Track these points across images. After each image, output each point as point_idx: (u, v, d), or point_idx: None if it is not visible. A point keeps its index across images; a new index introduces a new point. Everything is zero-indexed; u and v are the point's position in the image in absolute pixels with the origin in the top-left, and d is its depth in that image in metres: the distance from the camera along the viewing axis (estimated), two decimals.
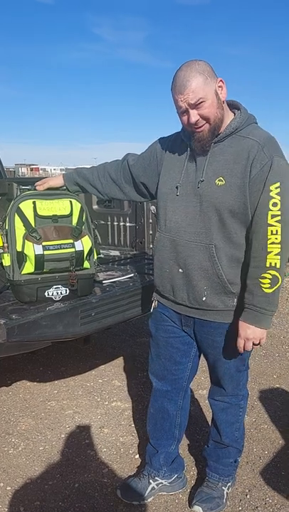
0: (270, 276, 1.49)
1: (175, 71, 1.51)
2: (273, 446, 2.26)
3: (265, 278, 1.49)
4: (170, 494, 1.93)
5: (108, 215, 3.30)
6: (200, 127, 1.50)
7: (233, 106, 1.59)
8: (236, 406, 1.81)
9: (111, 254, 3.17)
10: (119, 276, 2.44)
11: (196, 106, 1.46)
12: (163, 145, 1.72)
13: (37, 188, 1.93)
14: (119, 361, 3.23)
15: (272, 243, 1.46)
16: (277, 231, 1.46)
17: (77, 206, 1.96)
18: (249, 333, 1.55)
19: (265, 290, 1.50)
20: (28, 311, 1.88)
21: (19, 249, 1.87)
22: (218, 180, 1.51)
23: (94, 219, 2.10)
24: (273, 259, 1.47)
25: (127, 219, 3.23)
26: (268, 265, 1.48)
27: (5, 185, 3.62)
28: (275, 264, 1.48)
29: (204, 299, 1.60)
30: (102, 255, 2.97)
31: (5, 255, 1.91)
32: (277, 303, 1.55)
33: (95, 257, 2.11)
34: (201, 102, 1.45)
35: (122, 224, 3.26)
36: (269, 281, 1.49)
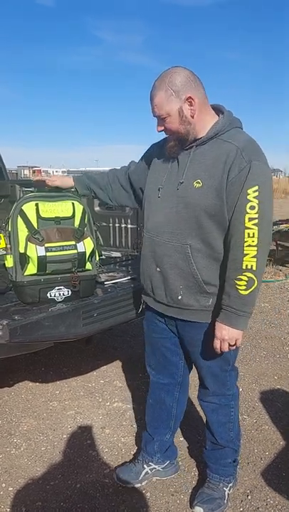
0: (246, 279, 1.51)
1: None
2: (274, 447, 2.26)
3: (241, 280, 1.51)
4: (171, 495, 1.94)
5: (110, 216, 3.31)
6: (168, 135, 1.61)
7: (218, 110, 1.62)
8: (226, 406, 1.83)
9: (112, 255, 3.18)
10: (121, 278, 2.45)
11: (158, 119, 1.57)
12: (153, 150, 1.80)
13: (47, 181, 1.97)
14: (121, 362, 3.24)
15: (249, 246, 1.49)
16: (254, 234, 1.48)
17: (79, 208, 1.97)
18: (224, 333, 1.58)
19: (241, 292, 1.52)
20: (30, 312, 1.89)
21: (22, 250, 1.88)
22: (196, 183, 1.55)
23: (96, 221, 2.11)
24: (250, 261, 1.50)
25: (129, 221, 3.24)
26: (244, 267, 1.50)
27: (8, 187, 3.64)
28: (252, 266, 1.50)
29: (180, 297, 1.64)
30: (103, 256, 2.98)
31: (8, 257, 1.93)
32: (254, 304, 1.58)
33: (97, 258, 2.13)
34: (164, 118, 1.55)
35: (123, 226, 3.28)
36: (245, 283, 1.51)
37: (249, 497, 1.92)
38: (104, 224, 3.33)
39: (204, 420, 1.93)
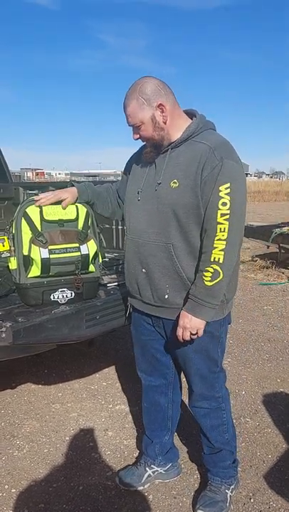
0: (212, 270, 1.55)
1: None
2: (277, 450, 2.26)
3: (208, 271, 1.55)
4: (174, 498, 1.94)
5: (112, 218, 3.32)
6: (144, 142, 1.67)
7: (191, 114, 1.69)
8: (217, 409, 1.84)
9: (115, 257, 3.19)
10: (123, 280, 2.45)
11: (133, 127, 1.64)
12: (131, 160, 1.86)
13: (62, 204, 1.91)
14: (123, 364, 3.24)
15: (219, 239, 1.53)
16: (224, 229, 1.53)
17: (82, 210, 1.98)
18: (186, 322, 1.61)
19: (206, 283, 1.56)
20: (33, 314, 1.90)
21: (25, 252, 1.89)
22: (173, 183, 1.60)
23: (99, 223, 2.12)
24: (218, 254, 1.54)
25: None
26: (212, 259, 1.54)
27: (11, 189, 3.65)
28: (219, 259, 1.54)
29: (167, 296, 1.67)
30: (106, 259, 2.99)
31: (11, 259, 1.94)
32: (219, 297, 1.60)
33: (100, 260, 2.13)
34: (137, 126, 1.62)
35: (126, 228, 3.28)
36: (210, 274, 1.55)
37: (252, 500, 1.92)
38: (107, 226, 3.34)
39: (199, 425, 1.92)
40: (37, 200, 1.89)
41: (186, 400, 2.07)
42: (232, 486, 1.89)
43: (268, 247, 6.55)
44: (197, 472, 2.10)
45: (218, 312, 1.68)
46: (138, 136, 1.65)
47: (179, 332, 1.64)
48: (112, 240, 3.38)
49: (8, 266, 2.00)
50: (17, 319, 1.83)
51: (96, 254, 2.04)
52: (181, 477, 2.06)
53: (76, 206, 1.96)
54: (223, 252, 1.53)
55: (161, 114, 1.59)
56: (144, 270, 1.70)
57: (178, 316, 1.66)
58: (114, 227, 3.35)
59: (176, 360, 1.87)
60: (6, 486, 2.00)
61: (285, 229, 6.22)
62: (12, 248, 1.93)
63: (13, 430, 2.42)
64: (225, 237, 1.53)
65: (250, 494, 1.95)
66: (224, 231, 1.52)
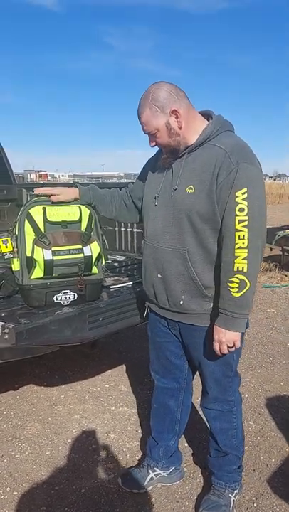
0: (238, 281, 1.51)
1: None
2: (280, 454, 2.24)
3: (233, 282, 1.52)
4: (176, 501, 1.92)
5: (116, 220, 3.31)
6: (161, 148, 1.66)
7: (207, 115, 1.66)
8: (229, 413, 1.83)
9: (118, 259, 3.18)
10: (126, 282, 2.45)
11: (149, 135, 1.62)
12: (148, 164, 1.85)
13: (51, 198, 1.92)
14: (126, 366, 3.23)
15: (240, 248, 1.50)
16: (244, 236, 1.49)
17: (86, 212, 1.98)
18: (221, 336, 1.59)
19: (234, 294, 1.53)
20: (36, 316, 1.89)
21: (29, 254, 1.89)
22: (189, 188, 1.58)
23: (102, 225, 2.12)
24: (241, 263, 1.50)
25: (134, 225, 3.24)
26: (235, 269, 1.51)
27: (15, 191, 3.66)
28: (243, 268, 1.50)
29: (181, 302, 1.66)
30: (109, 261, 2.98)
31: (14, 260, 1.93)
32: (249, 306, 1.58)
33: (103, 262, 2.13)
34: (153, 134, 1.60)
35: (129, 230, 3.28)
36: (237, 285, 1.52)
37: (255, 504, 1.90)
38: (110, 228, 3.34)
39: (209, 427, 1.91)
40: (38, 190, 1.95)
41: (193, 401, 2.06)
42: (236, 491, 1.88)
43: (271, 249, 6.53)
44: (200, 476, 2.09)
45: None
46: (154, 143, 1.64)
47: (216, 347, 1.61)
48: (115, 242, 3.38)
49: (11, 267, 1.99)
50: (20, 321, 1.82)
51: (99, 256, 2.03)
52: (184, 481, 2.05)
53: (79, 208, 1.96)
54: (246, 261, 1.50)
55: (175, 120, 1.57)
56: (159, 275, 1.70)
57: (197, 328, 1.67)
58: (116, 229, 3.35)
59: (191, 362, 1.86)
60: (8, 488, 1.99)
61: (288, 231, 6.21)
62: (15, 249, 1.92)
63: (16, 432, 2.42)
64: (245, 244, 1.49)
65: (254, 498, 1.94)
66: (244, 238, 1.48)
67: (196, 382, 1.95)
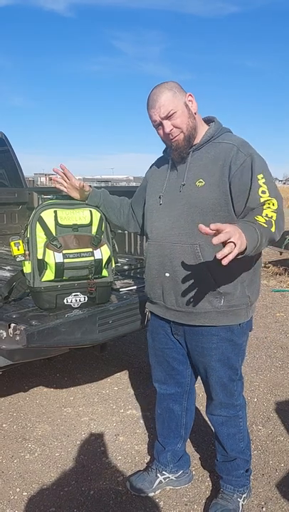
0: (266, 219, 1.48)
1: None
2: None
3: (262, 218, 1.48)
4: (185, 505, 1.92)
5: (122, 229, 3.33)
6: (175, 137, 1.63)
7: (209, 120, 1.72)
8: (235, 417, 1.82)
9: (128, 262, 3.20)
10: (136, 285, 2.46)
11: (167, 117, 1.61)
12: (148, 172, 1.89)
13: (66, 190, 1.96)
14: (135, 369, 3.24)
15: (268, 207, 1.53)
16: (274, 203, 1.54)
17: (96, 216, 2.00)
18: (237, 235, 1.31)
19: (262, 223, 1.45)
20: (47, 318, 1.91)
21: (40, 257, 1.91)
22: (198, 182, 1.61)
23: (112, 228, 2.14)
24: (270, 213, 1.52)
25: None
26: (263, 214, 1.51)
27: (26, 194, 3.70)
28: (272, 216, 1.51)
29: (192, 300, 1.65)
30: (119, 264, 3.00)
31: (26, 263, 1.95)
32: (264, 245, 1.47)
33: (113, 265, 2.14)
34: (173, 114, 1.61)
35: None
36: (264, 221, 1.47)
37: (264, 509, 1.89)
38: (120, 231, 3.36)
39: (215, 433, 1.91)
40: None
41: (199, 407, 2.06)
42: (244, 495, 1.87)
43: (281, 253, 6.49)
44: (209, 479, 2.09)
45: (243, 315, 1.67)
46: (171, 127, 1.61)
47: (222, 236, 1.29)
48: (125, 245, 3.39)
49: (22, 269, 2.02)
50: (31, 322, 1.84)
51: (109, 259, 2.05)
52: (192, 484, 2.05)
53: (90, 211, 1.98)
54: (275, 213, 1.52)
55: (191, 103, 1.65)
56: (167, 274, 1.68)
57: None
58: (126, 232, 3.37)
59: (195, 369, 1.85)
60: (18, 489, 2.01)
61: None
62: (27, 252, 1.95)
63: (25, 433, 2.44)
64: (275, 207, 1.53)
65: (262, 503, 1.93)
66: (273, 205, 1.53)
67: (199, 385, 1.95)
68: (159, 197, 1.72)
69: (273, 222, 1.50)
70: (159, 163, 1.84)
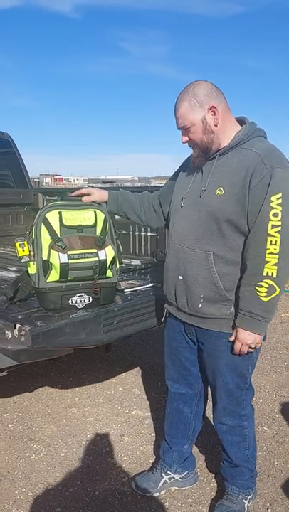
0: (267, 285, 1.51)
1: None
2: None
3: (262, 286, 1.52)
4: (190, 505, 1.92)
5: (130, 224, 3.33)
6: (192, 147, 1.65)
7: (241, 121, 1.66)
8: (240, 427, 1.81)
9: (132, 263, 3.20)
10: (141, 286, 2.46)
11: (183, 130, 1.62)
12: (179, 168, 1.87)
13: (84, 199, 2.00)
14: (140, 370, 3.24)
15: (271, 253, 1.49)
16: (276, 242, 1.49)
17: (101, 216, 2.00)
18: (248, 338, 1.60)
19: (262, 298, 1.53)
20: (52, 318, 1.91)
21: (45, 257, 1.91)
22: (218, 190, 1.58)
23: (116, 229, 2.14)
24: (271, 268, 1.50)
25: (148, 229, 3.26)
26: (264, 274, 1.51)
27: (31, 195, 3.71)
28: (272, 274, 1.50)
29: (200, 306, 1.66)
30: (123, 264, 3.00)
31: (31, 263, 1.96)
32: (275, 311, 1.59)
33: (118, 266, 2.15)
34: (187, 128, 1.60)
35: (143, 234, 3.30)
36: (266, 290, 1.52)
37: (269, 510, 1.89)
38: (124, 232, 3.36)
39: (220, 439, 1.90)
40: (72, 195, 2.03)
41: (207, 411, 2.05)
42: (250, 496, 1.87)
43: None
44: (214, 480, 2.08)
45: None
46: (187, 138, 1.63)
47: (238, 347, 1.62)
48: (129, 245, 3.40)
49: (27, 270, 2.02)
50: (36, 323, 1.85)
51: (114, 260, 2.05)
52: (197, 485, 2.04)
53: (94, 212, 1.98)
54: (276, 267, 1.49)
55: (212, 116, 1.57)
56: (180, 277, 1.70)
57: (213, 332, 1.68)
58: (131, 233, 3.37)
59: (204, 371, 1.85)
60: (23, 489, 2.01)
61: None
62: (32, 253, 1.95)
63: (31, 433, 2.45)
64: (277, 250, 1.49)
65: (268, 504, 1.92)
66: (276, 244, 1.48)
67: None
68: (182, 199, 1.71)
69: (274, 283, 1.51)
70: (190, 160, 1.77)
